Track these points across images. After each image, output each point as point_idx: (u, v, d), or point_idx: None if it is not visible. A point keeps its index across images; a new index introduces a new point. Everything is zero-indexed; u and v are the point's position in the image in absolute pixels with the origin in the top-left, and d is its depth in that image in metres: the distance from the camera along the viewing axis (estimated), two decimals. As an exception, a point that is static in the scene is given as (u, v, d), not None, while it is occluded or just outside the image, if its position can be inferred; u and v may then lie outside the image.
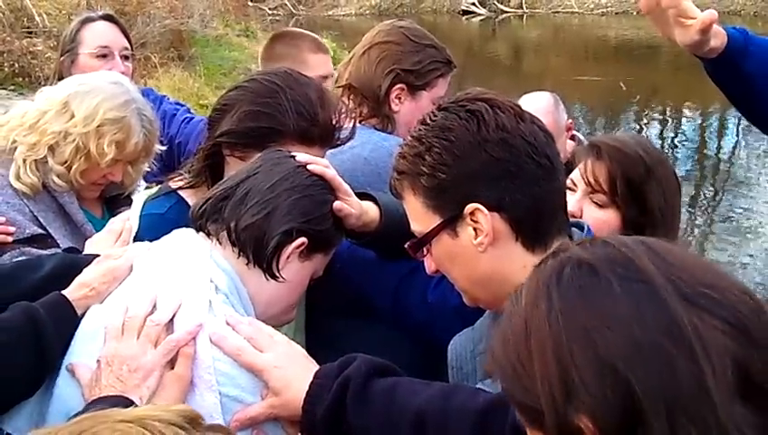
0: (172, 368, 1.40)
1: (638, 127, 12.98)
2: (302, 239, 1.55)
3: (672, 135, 12.80)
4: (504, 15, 27.41)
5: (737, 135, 12.23)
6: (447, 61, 2.41)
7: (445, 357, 1.59)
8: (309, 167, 1.63)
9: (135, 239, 1.83)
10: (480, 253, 1.39)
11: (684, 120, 13.61)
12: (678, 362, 0.86)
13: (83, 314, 1.50)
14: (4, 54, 10.06)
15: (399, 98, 2.35)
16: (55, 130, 2.06)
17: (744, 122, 10.78)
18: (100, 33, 2.98)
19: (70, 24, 3.20)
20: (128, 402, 1.30)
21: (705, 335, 0.87)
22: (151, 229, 1.80)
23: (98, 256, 1.64)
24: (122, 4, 11.88)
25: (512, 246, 1.39)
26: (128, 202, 2.17)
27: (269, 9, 26.37)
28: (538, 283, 0.98)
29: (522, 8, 27.57)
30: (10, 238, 2.04)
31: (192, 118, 3.10)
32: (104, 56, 2.94)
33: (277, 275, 1.55)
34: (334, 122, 1.89)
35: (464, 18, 27.47)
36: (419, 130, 1.44)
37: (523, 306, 0.98)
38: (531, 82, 11.99)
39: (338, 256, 1.73)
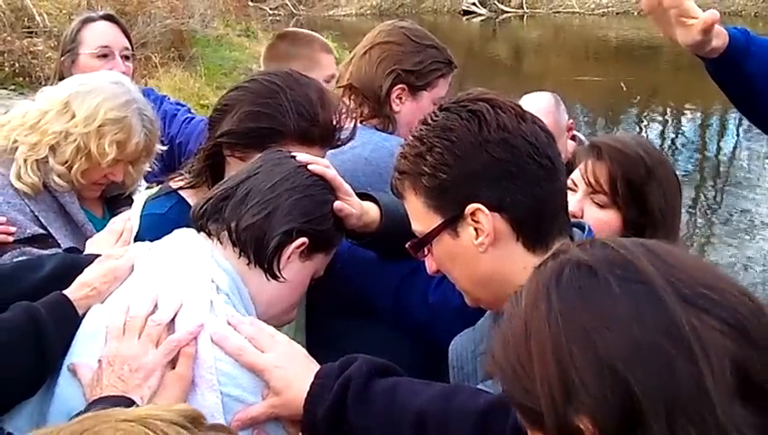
0: (173, 368, 1.40)
1: (638, 127, 12.98)
2: (303, 239, 1.56)
3: (673, 135, 12.80)
4: (505, 16, 27.42)
5: (738, 135, 12.23)
6: (448, 61, 2.41)
7: (445, 357, 1.59)
8: (309, 167, 1.63)
9: (136, 239, 1.83)
10: (481, 253, 1.39)
11: (684, 120, 13.61)
12: (677, 363, 0.87)
13: (84, 314, 1.50)
14: (5, 54, 10.06)
15: (400, 98, 2.35)
16: (56, 129, 2.06)
17: (745, 123, 10.80)
18: (101, 33, 2.98)
19: (70, 24, 3.20)
20: (129, 402, 1.31)
21: (704, 336, 0.87)
22: (152, 229, 1.80)
23: (99, 255, 1.64)
24: (123, 3, 11.88)
25: (513, 246, 1.39)
26: (128, 202, 2.17)
27: (270, 9, 26.39)
28: (538, 284, 0.98)
29: (522, 8, 27.58)
30: (11, 238, 2.04)
31: (193, 118, 3.10)
32: (105, 56, 2.94)
33: (278, 275, 1.55)
34: (335, 123, 1.89)
35: (464, 18, 27.48)
36: (421, 130, 1.44)
37: (523, 308, 0.98)
38: (531, 82, 12.00)
39: (338, 256, 1.73)
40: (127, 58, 3.00)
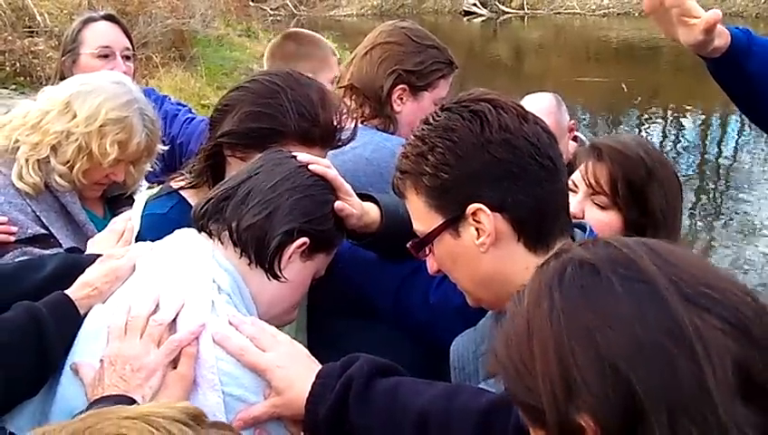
0: (175, 368, 1.40)
1: (639, 128, 12.97)
2: (304, 239, 1.56)
3: (674, 136, 12.79)
4: (506, 16, 27.42)
5: (739, 136, 12.23)
6: (449, 61, 2.41)
7: (447, 358, 1.59)
8: (310, 167, 1.63)
9: (137, 239, 1.83)
10: (482, 253, 1.39)
11: (685, 121, 13.60)
12: (679, 362, 0.87)
13: (86, 314, 1.51)
14: (6, 54, 10.06)
15: (401, 98, 2.35)
16: (57, 129, 2.06)
17: (746, 123, 10.80)
18: (102, 34, 2.98)
19: (71, 24, 3.20)
20: (131, 402, 1.31)
21: (706, 335, 0.88)
22: (153, 229, 1.80)
23: (100, 255, 1.65)
24: (124, 3, 11.88)
25: (514, 246, 1.39)
26: (129, 202, 2.17)
27: (270, 9, 26.40)
28: (540, 283, 0.98)
29: (523, 9, 27.58)
30: (12, 238, 2.04)
31: (193, 118, 3.10)
32: (106, 56, 2.94)
33: (279, 274, 1.55)
34: (335, 123, 1.89)
35: (465, 19, 27.48)
36: (422, 129, 1.44)
37: (526, 306, 0.98)
38: (532, 82, 12.01)
39: (339, 256, 1.73)
40: (128, 58, 3.00)
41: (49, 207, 2.12)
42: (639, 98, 14.31)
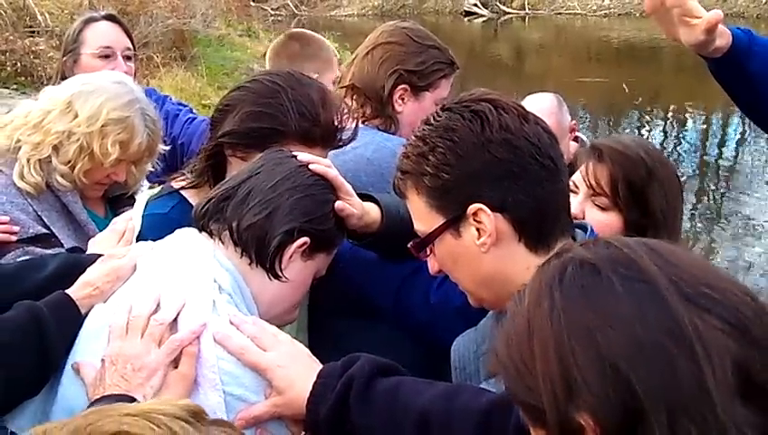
0: (176, 367, 1.40)
1: (640, 129, 12.97)
2: (305, 239, 1.56)
3: (674, 137, 12.79)
4: (507, 16, 27.41)
5: (740, 136, 12.23)
6: (450, 62, 2.41)
7: (447, 358, 1.59)
8: (310, 166, 1.63)
9: (138, 239, 1.83)
10: (483, 253, 1.39)
11: (686, 121, 13.60)
12: (679, 362, 0.87)
13: (87, 314, 1.51)
14: (7, 54, 10.06)
15: (402, 98, 2.35)
16: (59, 129, 2.07)
17: (747, 123, 10.80)
18: (103, 34, 2.98)
19: (72, 24, 3.20)
20: (132, 401, 1.30)
21: (706, 335, 0.88)
22: (154, 229, 1.80)
23: (101, 255, 1.65)
24: (125, 3, 11.89)
25: (515, 246, 1.40)
26: (131, 202, 2.17)
27: (271, 9, 26.41)
28: (541, 283, 0.99)
29: (524, 9, 27.58)
30: (14, 238, 2.05)
31: (195, 118, 3.10)
32: (107, 57, 2.94)
33: (280, 274, 1.56)
34: (336, 123, 1.89)
35: (466, 19, 27.48)
36: (423, 130, 1.44)
37: (526, 306, 0.98)
38: (533, 83, 12.01)
39: (340, 255, 1.73)
40: (129, 58, 3.00)
41: (50, 206, 2.13)
42: (640, 98, 14.31)
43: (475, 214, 1.38)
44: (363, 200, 1.73)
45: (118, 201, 2.28)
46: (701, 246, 7.96)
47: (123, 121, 2.07)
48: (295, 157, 1.66)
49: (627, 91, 14.27)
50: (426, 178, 1.41)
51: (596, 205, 2.00)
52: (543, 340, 0.94)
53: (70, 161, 2.08)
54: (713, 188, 10.19)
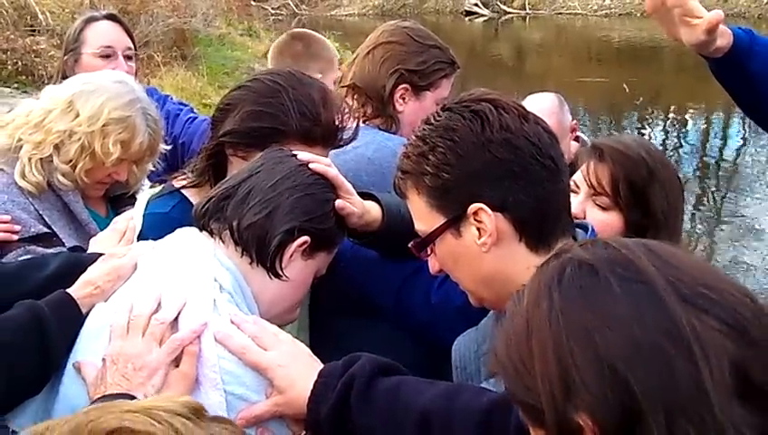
0: (177, 366, 1.41)
1: (640, 129, 12.97)
2: (305, 238, 1.56)
3: (675, 137, 12.79)
4: (507, 16, 27.41)
5: (741, 137, 12.23)
6: (451, 61, 2.41)
7: (448, 357, 1.59)
8: (310, 165, 1.63)
9: (138, 238, 1.83)
10: (483, 253, 1.39)
11: (687, 121, 13.60)
12: (677, 363, 0.87)
13: (88, 313, 1.51)
14: (8, 52, 10.07)
15: (403, 98, 2.35)
16: (60, 128, 2.07)
17: (748, 124, 10.80)
18: (104, 33, 2.98)
19: (73, 23, 3.20)
20: (132, 400, 1.31)
21: (704, 336, 0.88)
22: (155, 228, 1.80)
23: (102, 254, 1.65)
24: (125, 2, 11.90)
25: (515, 246, 1.40)
26: (132, 201, 2.17)
27: (272, 9, 26.42)
28: (539, 283, 0.99)
29: (525, 9, 27.57)
30: (15, 237, 2.05)
31: (195, 118, 3.10)
32: (107, 56, 2.93)
33: (280, 273, 1.56)
34: (337, 123, 1.89)
35: (466, 19, 27.49)
36: (423, 129, 1.44)
37: (525, 306, 0.99)
38: (533, 83, 12.01)
39: (341, 255, 1.73)
40: (129, 58, 3.00)
41: (52, 205, 2.13)
42: (641, 98, 14.31)
43: (475, 214, 1.38)
44: (364, 199, 1.73)
45: (119, 200, 2.28)
46: (701, 246, 7.95)
47: (124, 121, 2.07)
48: (295, 156, 1.66)
49: (627, 91, 14.26)
50: (426, 178, 1.41)
51: (597, 205, 2.00)
52: (542, 340, 0.94)
53: (71, 161, 2.08)
54: (713, 188, 10.18)
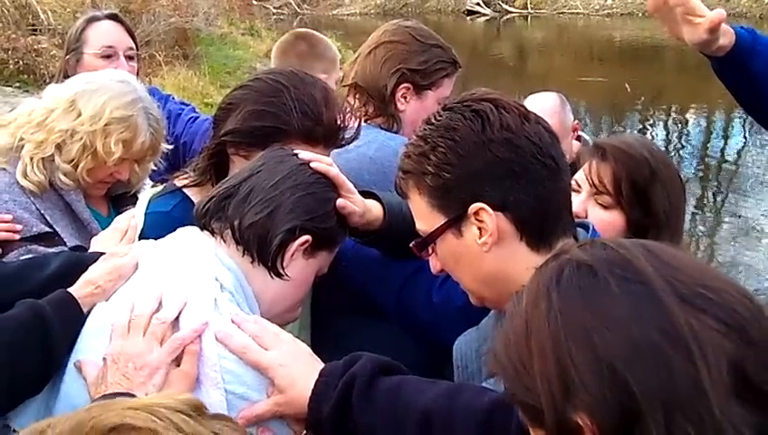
0: (178, 366, 1.41)
1: (642, 128, 12.97)
2: (306, 237, 1.56)
3: (677, 136, 12.78)
4: (509, 16, 27.42)
5: (743, 136, 12.22)
6: (453, 61, 2.41)
7: (450, 356, 1.59)
8: (312, 164, 1.63)
9: (140, 237, 1.83)
10: (485, 252, 1.39)
11: (689, 121, 13.59)
12: (675, 362, 0.88)
13: (89, 312, 1.51)
14: (9, 52, 10.08)
15: (405, 97, 2.35)
16: (62, 128, 2.07)
17: (750, 124, 10.78)
18: (105, 33, 2.98)
19: (75, 23, 3.20)
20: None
21: (702, 335, 0.88)
22: (156, 227, 1.80)
23: (103, 253, 1.65)
24: (127, 2, 11.92)
25: (516, 246, 1.40)
26: (134, 201, 2.17)
27: (273, 8, 26.43)
28: (538, 284, 0.99)
29: (526, 9, 27.58)
30: (17, 236, 2.05)
31: (197, 117, 3.10)
32: (109, 57, 2.94)
33: (282, 272, 1.56)
34: (339, 122, 1.89)
35: (468, 18, 27.50)
36: (424, 129, 1.44)
37: (524, 307, 0.99)
38: (535, 82, 12.00)
39: (343, 254, 1.74)
40: (131, 58, 3.00)
41: (53, 205, 2.13)
42: (643, 98, 14.31)
43: (476, 213, 1.38)
44: (365, 198, 1.73)
45: (120, 200, 2.28)
46: (703, 246, 7.95)
47: (126, 120, 2.08)
48: (296, 155, 1.66)
49: (629, 90, 14.26)
50: (427, 178, 1.41)
51: (599, 204, 2.00)
52: (541, 340, 0.94)
53: (73, 160, 2.08)
54: (714, 188, 10.18)
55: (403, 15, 23.77)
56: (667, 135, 12.84)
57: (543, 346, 0.93)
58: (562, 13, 27.23)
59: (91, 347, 1.46)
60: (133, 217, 1.92)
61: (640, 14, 23.97)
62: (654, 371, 0.88)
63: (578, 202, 1.96)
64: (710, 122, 13.33)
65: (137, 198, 2.14)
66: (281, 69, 2.06)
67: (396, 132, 2.34)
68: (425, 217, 1.44)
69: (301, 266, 1.59)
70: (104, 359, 1.41)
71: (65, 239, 2.08)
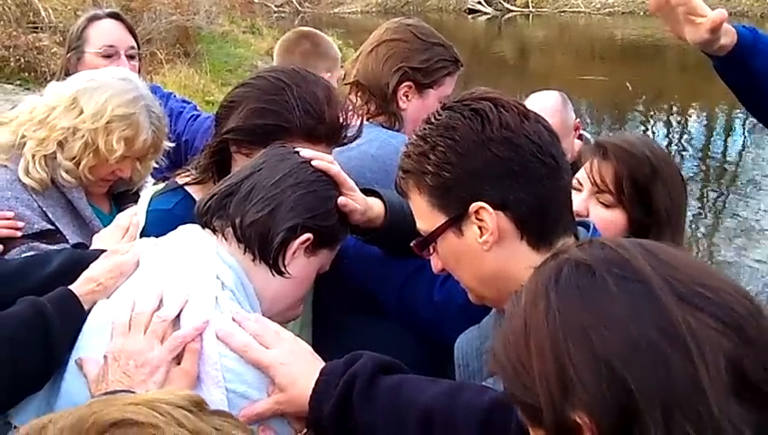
0: (179, 364, 1.41)
1: (644, 127, 12.96)
2: (308, 235, 1.56)
3: (678, 135, 12.78)
4: (510, 14, 27.43)
5: (744, 135, 12.22)
6: (455, 59, 2.41)
7: (451, 355, 1.59)
8: (313, 162, 1.64)
9: (141, 235, 1.84)
10: (485, 251, 1.39)
11: (690, 120, 13.59)
12: (673, 361, 0.88)
13: (90, 309, 1.51)
14: (11, 49, 10.08)
15: (407, 96, 2.35)
16: (64, 125, 2.07)
17: (751, 122, 10.79)
18: (106, 32, 2.98)
19: (76, 21, 3.20)
20: (134, 396, 1.31)
21: (700, 334, 0.89)
22: (158, 225, 1.80)
23: (105, 251, 1.65)
24: (128, 0, 11.91)
25: (517, 244, 1.40)
26: (135, 198, 2.17)
27: (275, 6, 26.44)
28: (537, 283, 1.00)
29: (528, 7, 27.58)
30: (19, 233, 2.05)
31: (199, 115, 3.10)
32: (110, 56, 2.93)
33: (283, 270, 1.56)
34: (341, 120, 1.89)
35: (470, 17, 27.50)
36: (424, 129, 1.44)
37: (523, 306, 0.99)
38: (536, 81, 11.99)
39: (344, 252, 1.74)
40: (132, 57, 2.99)
41: (55, 202, 2.13)
42: (644, 97, 14.31)
43: (476, 212, 1.38)
44: (366, 195, 1.73)
45: (122, 197, 2.28)
46: (703, 245, 7.95)
47: (128, 118, 2.08)
48: (298, 153, 1.66)
49: (630, 89, 14.25)
50: (427, 177, 1.41)
51: (600, 202, 2.00)
52: (539, 340, 0.94)
53: (75, 157, 2.09)
54: (715, 187, 10.18)
55: (404, 14, 23.75)
56: (667, 134, 12.83)
57: (542, 345, 0.94)
58: (564, 11, 27.22)
59: (92, 345, 1.46)
60: (135, 215, 1.92)
61: (642, 13, 23.96)
62: (652, 369, 0.88)
63: (579, 201, 1.96)
64: (711, 121, 13.33)
65: (138, 196, 2.14)
66: (283, 67, 2.06)
67: (397, 131, 2.34)
68: (425, 216, 1.44)
69: (302, 264, 1.59)
70: (105, 357, 1.42)
71: (67, 237, 2.08)
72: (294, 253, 1.56)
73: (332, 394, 1.38)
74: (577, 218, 1.55)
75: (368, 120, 2.26)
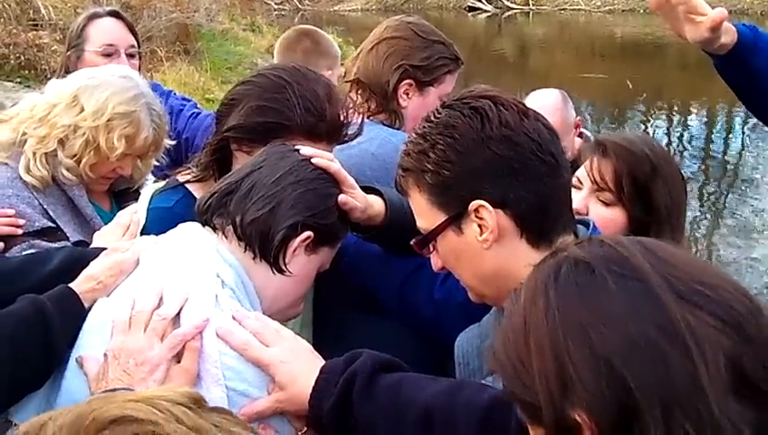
0: (179, 362, 1.41)
1: (644, 125, 12.96)
2: (308, 233, 1.56)
3: (678, 133, 12.77)
4: (510, 12, 27.40)
5: (744, 133, 12.21)
6: (455, 57, 2.41)
7: (451, 353, 1.59)
8: (313, 160, 1.64)
9: (142, 233, 1.84)
10: (485, 249, 1.39)
11: (690, 118, 13.59)
12: (672, 359, 0.88)
13: (90, 307, 1.51)
14: (11, 47, 10.05)
15: (407, 93, 2.35)
16: (65, 123, 2.07)
17: (751, 121, 10.78)
18: (106, 31, 2.98)
19: (76, 19, 3.20)
20: (133, 394, 1.31)
21: (699, 332, 0.89)
22: (158, 223, 1.80)
23: (105, 249, 1.65)
24: (128, -3, 11.89)
25: (517, 242, 1.40)
26: (136, 196, 2.17)
27: (275, 4, 26.41)
28: (536, 281, 1.00)
29: (528, 5, 27.55)
30: (19, 231, 2.05)
31: (199, 113, 3.10)
32: (110, 55, 2.93)
33: (284, 268, 1.56)
34: (342, 118, 1.89)
35: (469, 14, 27.47)
36: (423, 127, 1.44)
37: (522, 304, 0.99)
38: (537, 79, 11.99)
39: (344, 250, 1.74)
40: (132, 56, 2.99)
41: (56, 200, 2.13)
42: (644, 95, 14.29)
43: (476, 210, 1.38)
44: (366, 193, 1.74)
45: (123, 195, 2.28)
46: (703, 243, 7.95)
47: (129, 116, 2.08)
48: (298, 151, 1.66)
49: (630, 87, 14.24)
50: (427, 176, 1.41)
51: (600, 200, 2.00)
52: (539, 338, 0.95)
53: (76, 155, 2.09)
54: (716, 184, 10.18)
55: (404, 11, 23.71)
56: (667, 132, 12.83)
57: (541, 343, 0.94)
58: (564, 9, 27.19)
59: (92, 343, 1.46)
60: (135, 213, 1.92)
61: (642, 11, 23.94)
62: (651, 367, 0.88)
63: (579, 199, 1.96)
64: (711, 120, 13.32)
65: (139, 194, 2.14)
66: (283, 65, 2.06)
67: (398, 129, 2.34)
68: (425, 214, 1.45)
69: (302, 262, 1.59)
70: (105, 355, 1.42)
71: (68, 234, 2.08)
72: (295, 251, 1.56)
73: (332, 392, 1.38)
74: (577, 217, 1.55)
75: (368, 117, 2.26)
